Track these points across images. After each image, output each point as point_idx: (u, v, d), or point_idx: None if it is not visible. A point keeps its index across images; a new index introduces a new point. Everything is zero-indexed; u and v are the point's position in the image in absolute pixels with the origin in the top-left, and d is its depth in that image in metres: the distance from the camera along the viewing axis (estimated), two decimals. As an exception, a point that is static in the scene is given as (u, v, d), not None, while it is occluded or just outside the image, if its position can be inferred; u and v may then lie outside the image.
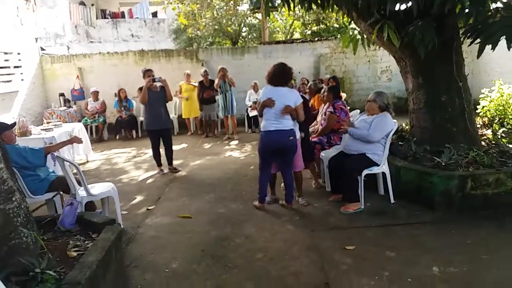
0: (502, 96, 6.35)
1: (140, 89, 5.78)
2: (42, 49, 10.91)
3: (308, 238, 3.57)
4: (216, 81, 8.23)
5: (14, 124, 3.82)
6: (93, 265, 2.36)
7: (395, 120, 4.31)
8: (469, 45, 4.44)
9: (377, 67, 11.04)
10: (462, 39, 4.64)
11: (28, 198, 3.73)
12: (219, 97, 8.48)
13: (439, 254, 3.14)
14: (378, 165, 4.21)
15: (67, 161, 3.72)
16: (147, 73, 5.76)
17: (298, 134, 4.28)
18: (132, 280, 2.98)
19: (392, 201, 4.25)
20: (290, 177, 4.29)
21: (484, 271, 2.88)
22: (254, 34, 16.00)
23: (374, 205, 4.25)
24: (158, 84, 5.74)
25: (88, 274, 2.28)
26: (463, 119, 4.71)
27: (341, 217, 4.02)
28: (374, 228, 3.71)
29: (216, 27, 14.42)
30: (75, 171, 3.83)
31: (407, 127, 5.62)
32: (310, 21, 15.11)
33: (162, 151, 6.08)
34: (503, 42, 4.00)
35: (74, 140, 4.13)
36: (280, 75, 4.09)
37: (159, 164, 6.11)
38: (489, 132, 5.50)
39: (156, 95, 5.76)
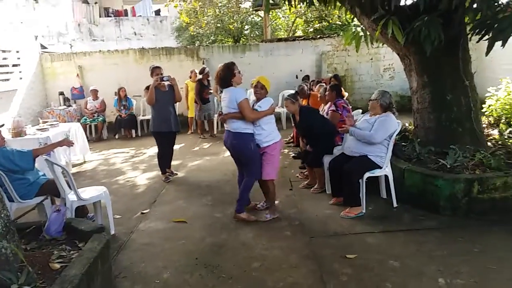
0: (509, 94, 6.15)
1: (147, 88, 5.36)
2: (43, 47, 10.80)
3: (307, 246, 3.41)
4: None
5: (1, 125, 3.67)
6: (76, 279, 2.22)
7: (398, 121, 4.14)
8: (477, 41, 4.26)
9: (380, 65, 10.83)
10: (469, 35, 4.46)
11: (16, 203, 3.62)
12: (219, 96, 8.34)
13: (445, 263, 2.97)
14: (380, 167, 4.04)
15: (56, 164, 3.58)
16: (155, 70, 5.28)
17: (267, 140, 3.91)
18: (121, 292, 2.85)
19: (395, 205, 4.09)
20: (244, 183, 4.00)
21: (493, 283, 2.71)
22: (257, 32, 15.80)
23: (377, 210, 4.08)
24: (166, 83, 5.31)
25: (69, 289, 2.14)
26: (469, 119, 4.54)
27: (341, 222, 3.85)
28: (376, 234, 3.55)
29: (218, 25, 14.26)
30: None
31: (410, 127, 5.45)
32: (312, 19, 14.89)
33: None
34: (509, 38, 3.81)
35: (64, 142, 3.97)
36: (221, 77, 3.92)
37: (163, 171, 5.63)
38: (495, 133, 5.31)
39: (165, 95, 5.32)
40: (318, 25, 14.50)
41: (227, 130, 4.02)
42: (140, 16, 18.61)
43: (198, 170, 6.15)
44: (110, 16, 18.74)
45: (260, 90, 4.02)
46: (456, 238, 3.37)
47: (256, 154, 3.92)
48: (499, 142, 4.79)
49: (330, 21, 14.39)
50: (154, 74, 5.28)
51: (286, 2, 4.69)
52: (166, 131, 5.43)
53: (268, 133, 3.93)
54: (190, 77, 8.85)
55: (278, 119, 8.79)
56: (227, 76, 3.88)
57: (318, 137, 4.66)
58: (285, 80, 10.23)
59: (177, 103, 5.71)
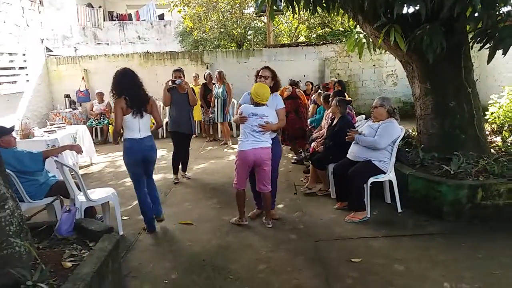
0: (511, 102, 6.20)
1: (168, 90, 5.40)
2: (49, 50, 10.92)
3: (312, 249, 3.46)
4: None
5: (13, 128, 3.74)
6: (88, 277, 2.26)
7: (401, 126, 4.20)
8: (478, 50, 4.32)
9: (383, 71, 10.91)
10: (471, 43, 4.52)
11: (27, 203, 3.68)
12: (218, 101, 8.31)
13: (449, 268, 3.02)
14: (384, 172, 4.09)
15: (66, 165, 3.65)
16: (174, 73, 5.43)
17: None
18: (130, 291, 2.90)
19: (399, 210, 4.13)
20: None
21: (496, 288, 2.75)
22: (260, 37, 15.90)
23: (381, 214, 4.13)
24: (185, 86, 5.39)
25: (81, 287, 2.19)
26: (472, 126, 4.59)
27: (346, 226, 3.90)
28: (381, 238, 3.59)
29: (222, 30, 14.36)
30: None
31: (414, 133, 5.50)
32: (315, 25, 15.00)
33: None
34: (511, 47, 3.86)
35: (74, 148, 4.00)
36: None
37: (176, 171, 5.77)
38: (498, 140, 5.35)
39: (182, 98, 5.43)
40: (321, 31, 14.60)
41: None
42: (144, 20, 18.77)
43: (204, 173, 6.21)
44: (114, 20, 18.92)
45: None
46: (459, 244, 3.41)
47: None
48: (502, 149, 4.84)
49: (333, 28, 14.49)
50: (173, 76, 5.44)
51: (290, 9, 4.75)
52: (181, 132, 5.54)
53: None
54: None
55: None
56: None
57: (337, 145, 4.69)
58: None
59: (193, 106, 5.70)
